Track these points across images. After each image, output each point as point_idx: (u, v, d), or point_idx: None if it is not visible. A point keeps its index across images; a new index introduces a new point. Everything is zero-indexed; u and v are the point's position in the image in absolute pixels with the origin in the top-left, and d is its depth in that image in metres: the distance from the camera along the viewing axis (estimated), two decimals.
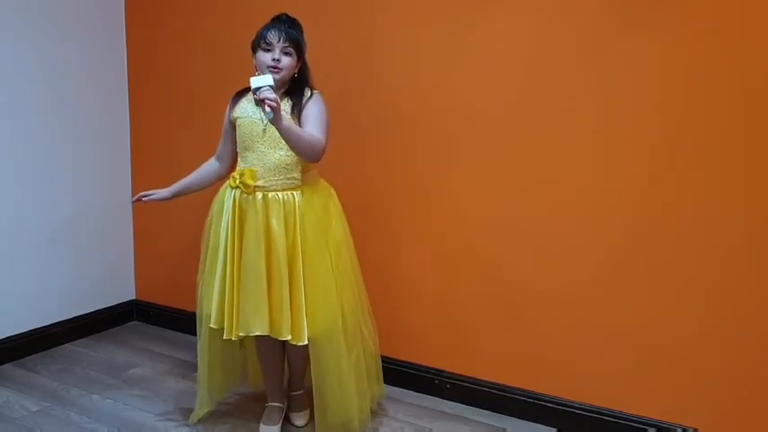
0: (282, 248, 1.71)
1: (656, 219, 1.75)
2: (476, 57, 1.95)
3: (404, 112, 2.09)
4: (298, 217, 1.74)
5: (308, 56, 1.83)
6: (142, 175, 2.79)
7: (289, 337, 1.70)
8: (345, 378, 1.78)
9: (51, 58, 2.46)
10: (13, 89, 2.34)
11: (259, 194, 1.74)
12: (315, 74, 1.86)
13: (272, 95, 1.57)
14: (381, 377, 1.99)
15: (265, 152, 1.74)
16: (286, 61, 1.74)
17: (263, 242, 1.71)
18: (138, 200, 1.95)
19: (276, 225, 1.72)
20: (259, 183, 1.74)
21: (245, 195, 1.75)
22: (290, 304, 1.70)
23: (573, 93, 1.82)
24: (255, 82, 1.61)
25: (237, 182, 1.75)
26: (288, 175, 1.76)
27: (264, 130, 1.73)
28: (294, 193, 1.76)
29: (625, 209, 1.78)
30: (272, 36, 1.73)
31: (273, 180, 1.75)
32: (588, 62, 1.79)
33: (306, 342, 1.71)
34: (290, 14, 1.80)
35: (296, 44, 1.75)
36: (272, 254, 1.72)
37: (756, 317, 1.65)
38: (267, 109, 1.57)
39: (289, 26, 1.76)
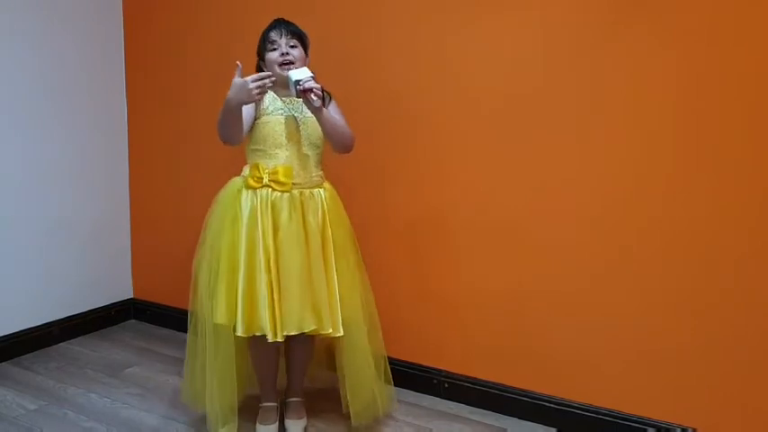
0: (318, 244, 1.74)
1: (657, 220, 1.74)
2: (478, 56, 1.95)
3: (404, 111, 2.09)
4: (326, 212, 1.78)
5: (310, 57, 1.85)
6: (140, 172, 2.78)
7: (330, 330, 1.70)
8: (369, 364, 1.82)
9: (49, 56, 2.45)
10: (9, 88, 2.32)
11: (296, 191, 1.74)
12: (317, 76, 1.85)
13: (318, 84, 1.63)
14: (389, 373, 1.96)
15: (301, 149, 1.75)
16: (295, 53, 1.77)
17: (303, 238, 1.72)
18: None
19: (312, 221, 1.75)
20: (296, 180, 1.74)
21: (277, 194, 1.73)
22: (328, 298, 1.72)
23: (578, 91, 1.82)
24: (295, 75, 1.65)
25: (267, 180, 1.73)
26: (317, 173, 1.80)
27: (298, 126, 1.75)
28: (320, 189, 1.80)
29: (626, 210, 1.78)
30: (275, 34, 1.77)
31: (308, 177, 1.77)
32: (594, 60, 1.79)
33: (342, 333, 1.72)
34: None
35: (299, 37, 1.80)
36: (309, 250, 1.73)
37: (757, 317, 1.65)
38: (314, 98, 1.62)
39: (289, 23, 1.81)
